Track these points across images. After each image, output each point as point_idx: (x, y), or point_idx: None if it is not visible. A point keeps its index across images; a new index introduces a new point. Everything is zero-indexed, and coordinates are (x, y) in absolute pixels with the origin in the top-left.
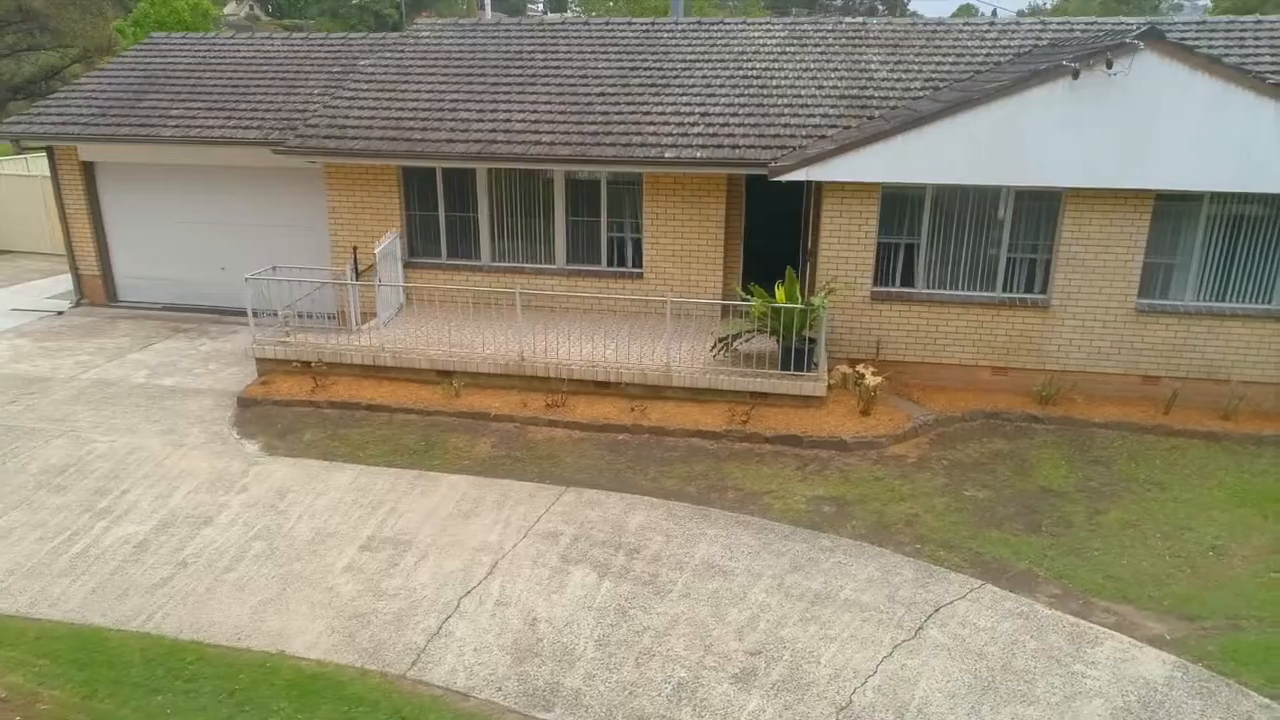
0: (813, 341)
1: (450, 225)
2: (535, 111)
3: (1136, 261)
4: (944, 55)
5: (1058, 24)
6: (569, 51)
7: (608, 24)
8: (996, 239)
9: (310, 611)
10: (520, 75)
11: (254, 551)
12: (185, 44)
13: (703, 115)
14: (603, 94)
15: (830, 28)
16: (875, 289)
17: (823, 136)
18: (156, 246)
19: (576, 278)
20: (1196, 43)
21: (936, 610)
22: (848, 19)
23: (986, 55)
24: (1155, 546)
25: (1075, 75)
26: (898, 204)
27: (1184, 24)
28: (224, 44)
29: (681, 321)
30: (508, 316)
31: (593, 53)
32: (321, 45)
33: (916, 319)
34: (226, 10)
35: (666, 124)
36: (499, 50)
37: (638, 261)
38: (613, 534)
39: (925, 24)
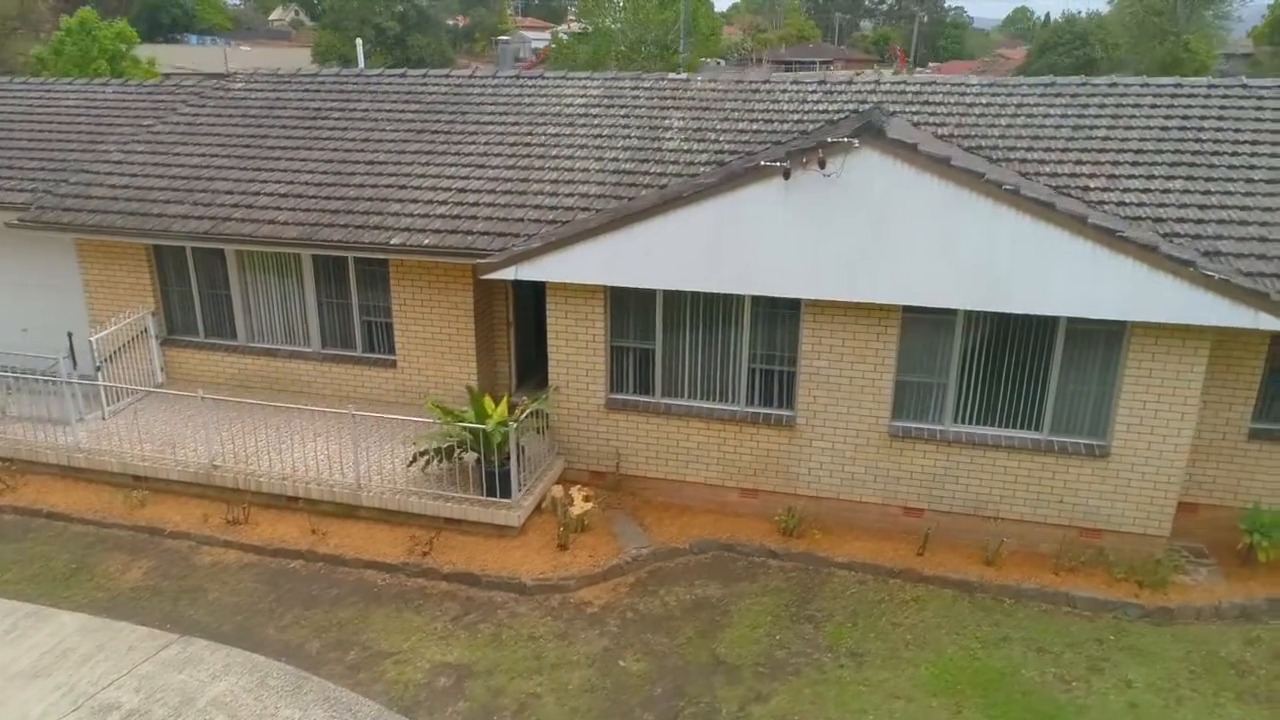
0: (524, 458)
1: (205, 302)
2: (292, 183)
3: (886, 380)
4: (754, 119)
5: (891, 83)
6: (366, 110)
7: (424, 76)
8: (736, 348)
9: None
10: (304, 138)
11: None
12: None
13: (459, 191)
14: (372, 163)
15: (649, 85)
16: (611, 396)
17: (565, 223)
18: None
19: (330, 363)
20: (1042, 104)
21: None
22: (672, 75)
23: (798, 120)
24: None
25: (786, 175)
26: (629, 305)
27: (1030, 84)
28: (54, 89)
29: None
30: (259, 402)
31: (390, 111)
32: (150, 94)
33: (656, 431)
34: (272, 16)
35: (416, 201)
36: (300, 108)
37: (392, 348)
38: (171, 712)
39: (750, 81)
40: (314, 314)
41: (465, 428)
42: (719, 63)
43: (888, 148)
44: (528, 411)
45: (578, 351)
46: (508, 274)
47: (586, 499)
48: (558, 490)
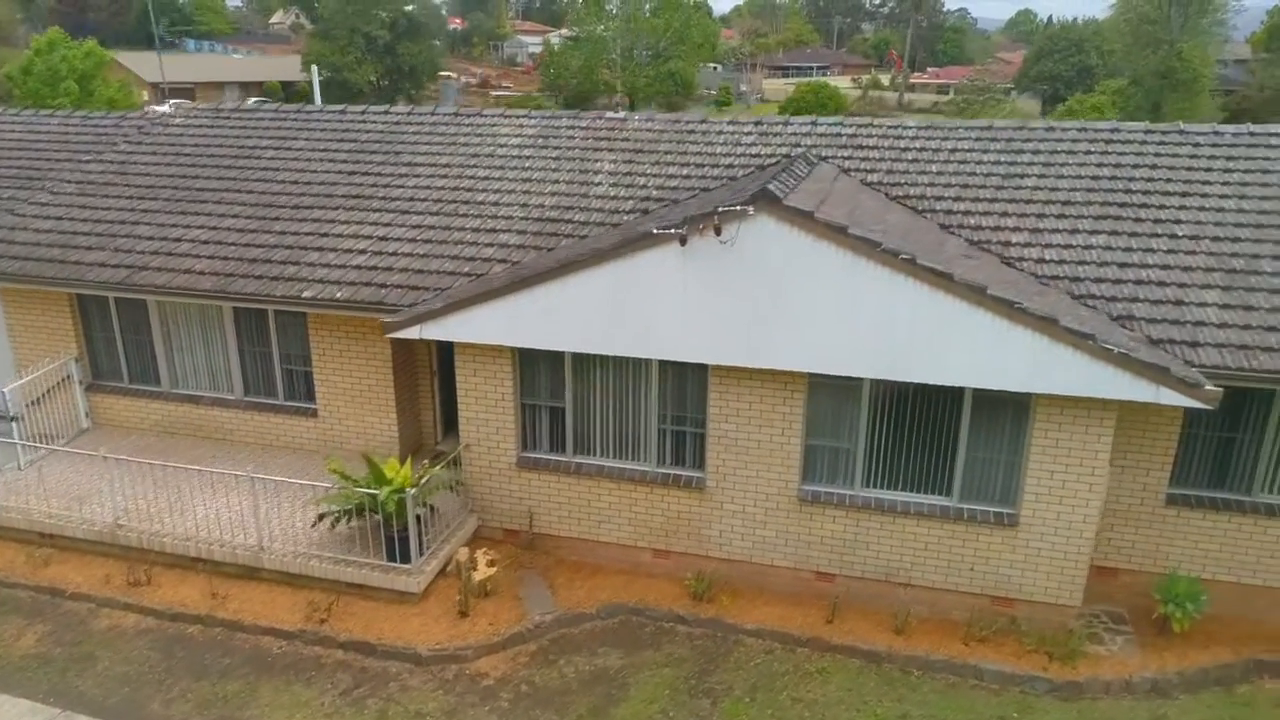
0: (429, 518)
1: (128, 348)
2: (215, 229)
3: (794, 445)
4: (686, 162)
5: (828, 124)
6: (301, 148)
7: (364, 113)
8: (645, 409)
9: None
10: (234, 179)
11: None
12: None
13: (379, 240)
14: (298, 207)
15: (585, 125)
16: (523, 454)
17: (480, 275)
18: None
19: (253, 411)
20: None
21: None
22: (610, 114)
23: (730, 165)
24: None
25: (683, 242)
26: (538, 363)
27: (967, 127)
28: None
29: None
30: (158, 463)
31: (324, 150)
32: (94, 127)
33: (568, 490)
34: (273, 20)
35: (335, 250)
36: (235, 146)
37: (313, 397)
38: None
39: (686, 121)
40: (235, 361)
41: (363, 491)
42: (716, 68)
43: (784, 215)
44: (426, 477)
45: (487, 410)
46: (412, 333)
47: (491, 563)
48: (463, 553)
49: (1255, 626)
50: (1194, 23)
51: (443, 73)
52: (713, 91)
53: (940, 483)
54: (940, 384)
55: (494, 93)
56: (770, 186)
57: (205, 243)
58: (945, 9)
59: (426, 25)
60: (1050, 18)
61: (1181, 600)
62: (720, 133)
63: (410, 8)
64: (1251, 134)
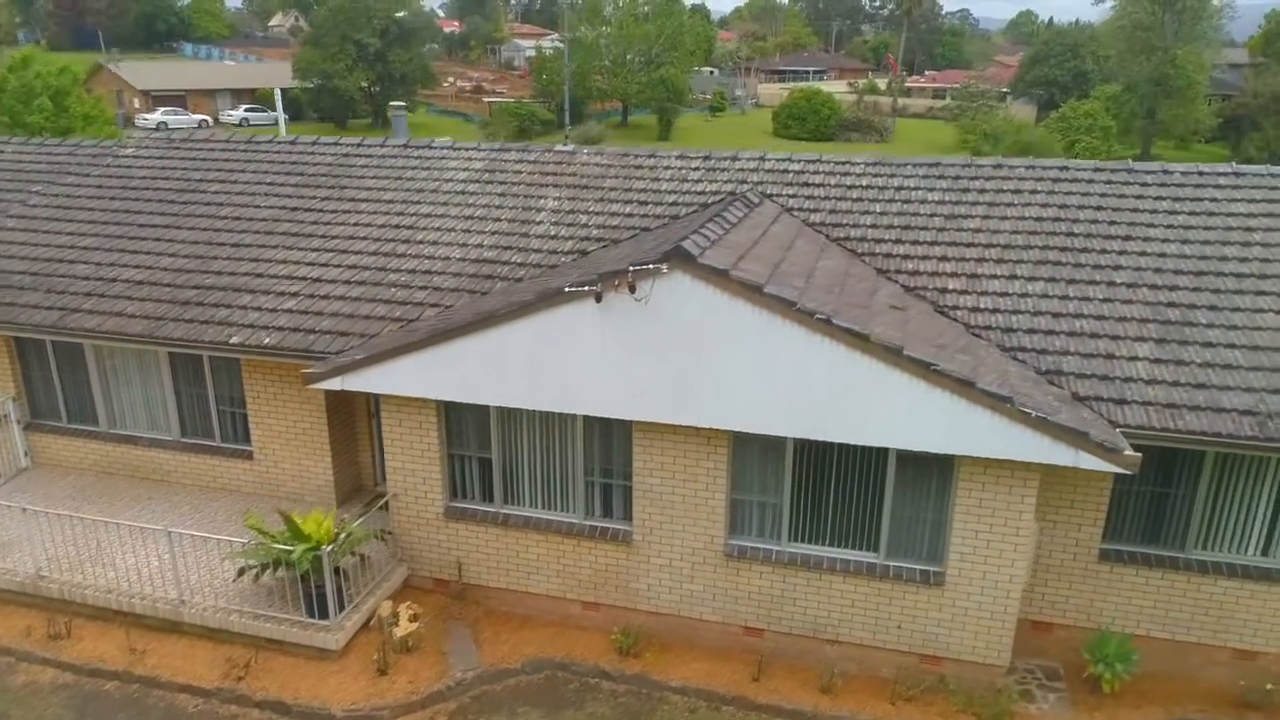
0: (359, 567)
1: (66, 388)
2: (152, 268)
3: (719, 499)
4: (630, 199)
5: (775, 160)
6: (248, 181)
7: (314, 143)
8: (571, 462)
9: None
10: (176, 214)
11: None
12: None
13: (314, 282)
14: (237, 245)
15: (533, 159)
16: (451, 504)
17: (410, 322)
18: None
19: (190, 452)
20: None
21: None
22: (559, 147)
23: (674, 202)
24: None
25: (598, 299)
26: (464, 414)
27: (915, 164)
28: None
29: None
30: (72, 514)
31: (270, 184)
32: (48, 155)
33: (496, 542)
34: (272, 22)
35: (269, 293)
36: (181, 179)
37: (249, 439)
38: None
39: (635, 156)
40: (172, 402)
41: (279, 549)
42: (713, 72)
43: (699, 273)
44: (345, 534)
45: (413, 460)
46: (334, 384)
47: (414, 618)
48: (386, 607)
49: (1189, 684)
50: (1188, 29)
51: (393, 103)
52: (707, 96)
53: (867, 539)
54: (860, 444)
55: (487, 99)
56: (685, 243)
57: (140, 283)
58: (944, 11)
59: (418, 32)
60: (1050, 19)
61: (1111, 660)
62: (668, 168)
63: (401, 14)
64: (1200, 174)
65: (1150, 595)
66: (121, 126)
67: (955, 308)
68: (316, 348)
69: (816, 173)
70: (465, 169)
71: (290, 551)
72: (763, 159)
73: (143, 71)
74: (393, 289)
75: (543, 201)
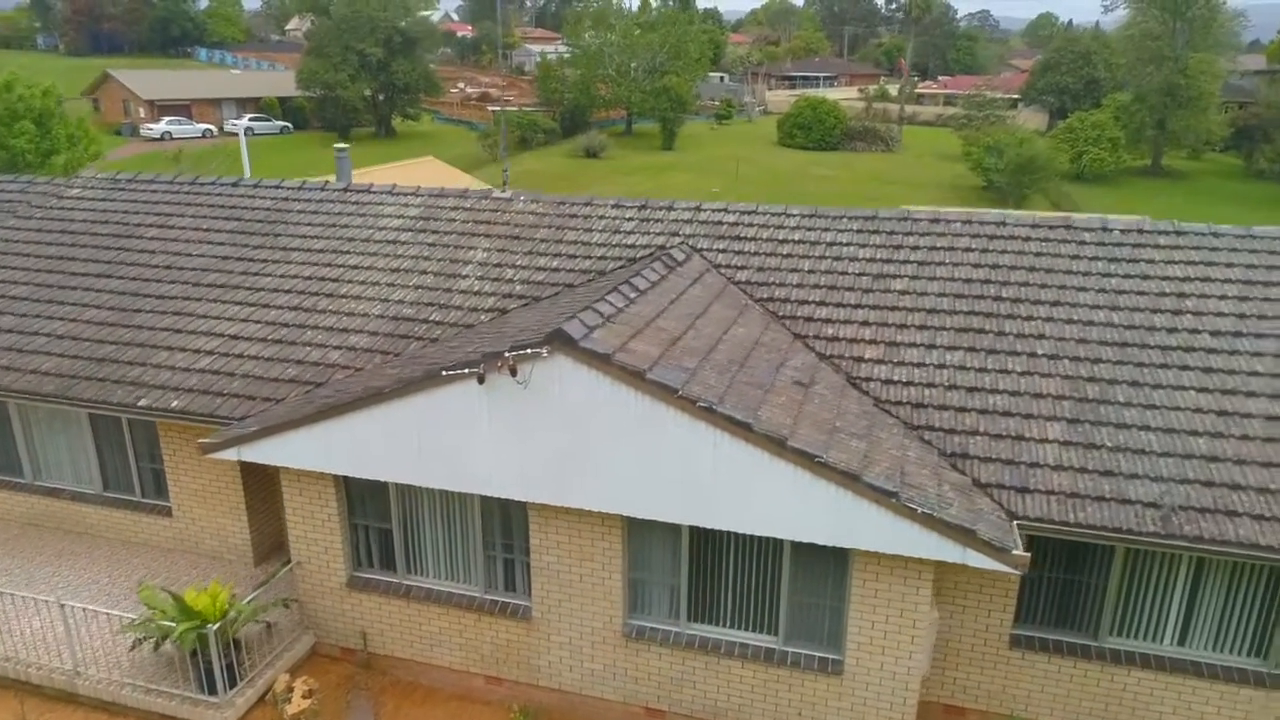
0: (264, 635)
1: None
2: (75, 321)
3: (616, 580)
4: (559, 251)
5: (711, 210)
6: (184, 227)
7: (256, 186)
8: (470, 536)
9: None
10: (109, 262)
11: None
12: None
13: (231, 339)
14: (162, 297)
15: (469, 206)
16: (354, 574)
17: (320, 385)
18: None
19: (111, 506)
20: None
21: None
22: (497, 193)
23: (603, 256)
24: None
25: (480, 380)
26: (362, 486)
27: (851, 216)
28: None
29: (194, 567)
30: (38, 545)
31: (207, 229)
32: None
33: (399, 613)
34: (289, 26)
35: (185, 350)
36: (120, 223)
37: (168, 495)
38: None
39: (571, 204)
40: (93, 456)
41: (163, 622)
42: (722, 78)
43: (580, 357)
44: (236, 612)
45: (315, 529)
46: (230, 455)
47: (308, 694)
48: (282, 681)
49: None
50: (1200, 38)
51: (337, 144)
52: (715, 102)
53: (766, 622)
54: (748, 533)
55: (491, 107)
56: (569, 325)
57: (61, 338)
58: (959, 15)
59: (420, 42)
60: (1070, 22)
61: None
62: (602, 218)
63: (404, 24)
64: (1140, 232)
65: (1063, 683)
66: (128, 136)
67: (869, 379)
68: (222, 412)
69: (750, 225)
70: (400, 216)
71: (179, 626)
72: (698, 209)
73: (148, 81)
74: (308, 348)
75: (472, 253)
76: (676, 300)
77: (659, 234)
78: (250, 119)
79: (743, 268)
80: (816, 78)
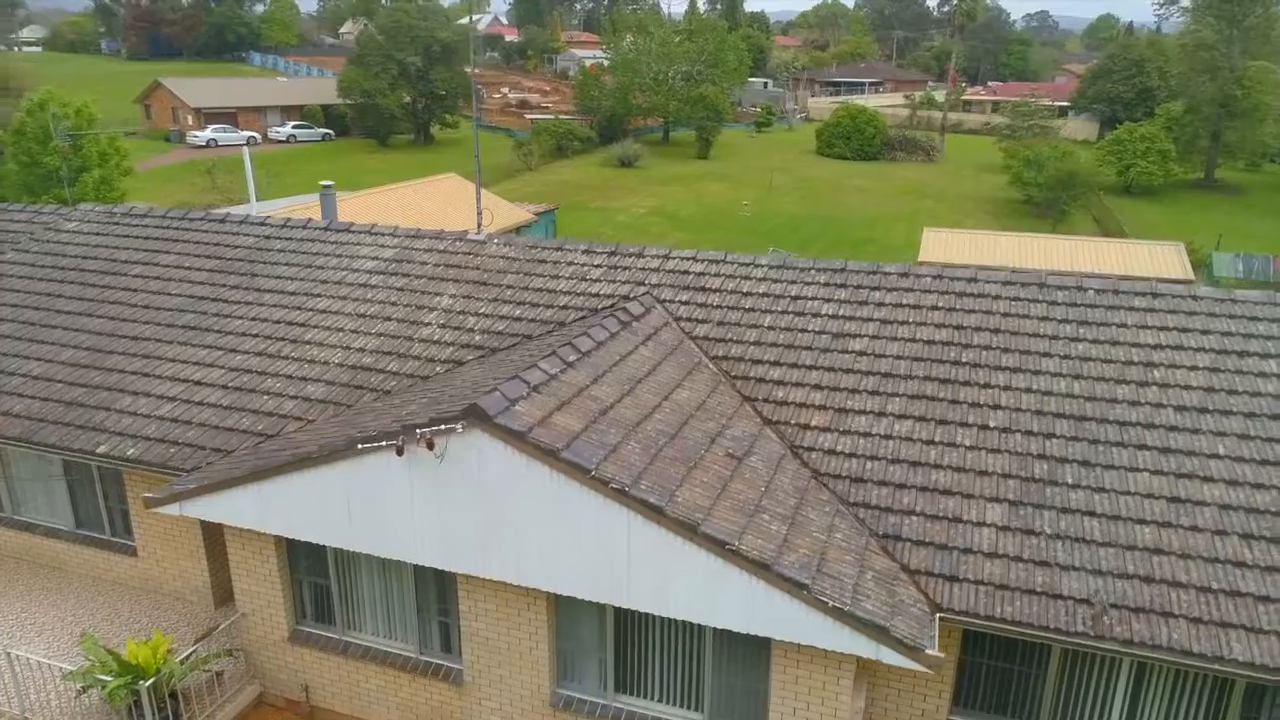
0: (175, 698)
1: None
2: (50, 361)
3: (543, 649)
4: (523, 300)
5: (681, 257)
6: (167, 264)
7: (241, 223)
8: (404, 598)
9: None
10: (92, 300)
11: None
12: None
13: (194, 385)
14: (136, 338)
15: (443, 248)
16: (297, 628)
17: (271, 437)
18: None
19: (82, 544)
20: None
21: None
22: (471, 235)
23: (566, 305)
24: None
25: (399, 452)
26: (302, 543)
27: (819, 268)
28: None
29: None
30: (11, 579)
31: (188, 268)
32: (8, 219)
33: (339, 669)
34: (343, 30)
35: (149, 396)
36: (108, 259)
37: (134, 535)
38: None
39: (542, 249)
40: (65, 492)
41: (101, 676)
42: (765, 84)
43: (496, 433)
44: (169, 671)
45: (257, 583)
46: (173, 510)
47: None
48: None
49: None
50: (1257, 47)
51: (322, 181)
52: (755, 109)
53: (691, 699)
54: (664, 615)
55: (528, 114)
56: (485, 400)
57: (35, 379)
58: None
59: (458, 53)
60: (1130, 24)
61: None
62: (570, 264)
63: (445, 35)
64: (1116, 293)
65: None
66: (176, 142)
67: (812, 448)
68: (174, 462)
69: (717, 275)
70: (375, 257)
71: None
72: (667, 257)
73: (196, 89)
74: (265, 397)
75: (438, 299)
76: (621, 361)
77: (624, 282)
78: (293, 126)
79: (703, 321)
80: (861, 83)
